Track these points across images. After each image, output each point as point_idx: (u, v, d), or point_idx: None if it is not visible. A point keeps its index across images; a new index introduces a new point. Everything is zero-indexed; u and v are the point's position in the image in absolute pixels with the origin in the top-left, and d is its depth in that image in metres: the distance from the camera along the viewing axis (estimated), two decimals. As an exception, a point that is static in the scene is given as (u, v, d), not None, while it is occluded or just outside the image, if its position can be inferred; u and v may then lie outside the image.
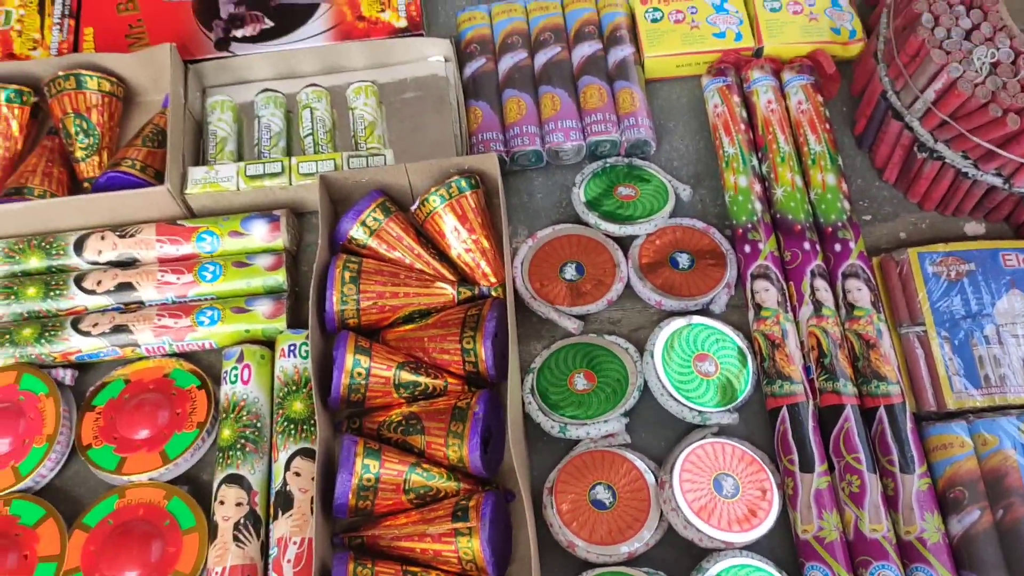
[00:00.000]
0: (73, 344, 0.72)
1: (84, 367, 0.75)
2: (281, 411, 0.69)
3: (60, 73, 0.80)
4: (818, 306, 0.71)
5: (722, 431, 0.69)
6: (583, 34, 0.83)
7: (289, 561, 0.63)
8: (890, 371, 0.68)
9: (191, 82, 0.82)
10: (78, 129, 0.79)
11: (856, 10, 0.84)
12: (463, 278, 0.75)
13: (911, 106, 0.73)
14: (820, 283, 0.72)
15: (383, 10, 0.86)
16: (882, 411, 0.67)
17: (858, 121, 0.81)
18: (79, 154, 0.80)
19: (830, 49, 0.82)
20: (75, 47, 0.85)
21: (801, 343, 0.71)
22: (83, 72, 0.80)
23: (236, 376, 0.70)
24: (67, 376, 0.72)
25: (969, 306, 0.70)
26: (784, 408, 0.68)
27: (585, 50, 0.82)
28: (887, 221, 0.79)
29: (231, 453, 0.67)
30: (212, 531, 0.65)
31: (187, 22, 0.86)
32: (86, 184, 0.80)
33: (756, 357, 0.71)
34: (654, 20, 0.84)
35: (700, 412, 0.68)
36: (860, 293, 0.71)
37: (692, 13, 0.84)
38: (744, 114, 0.80)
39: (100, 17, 0.86)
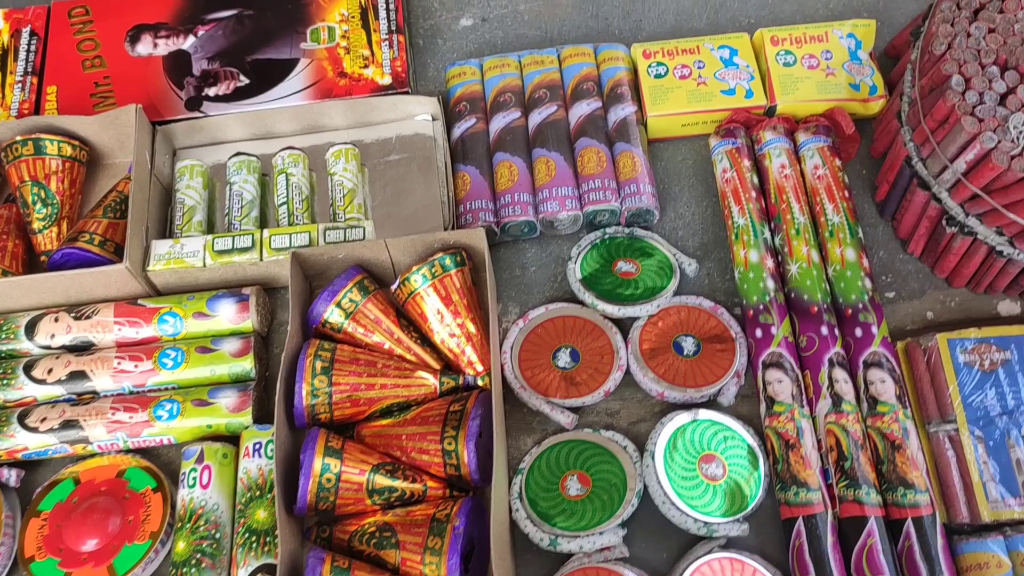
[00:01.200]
0: (19, 441, 0.66)
1: (32, 464, 0.69)
2: (243, 520, 0.62)
3: (18, 138, 0.74)
4: (837, 400, 0.64)
5: (730, 544, 0.63)
6: (581, 91, 0.77)
7: None
8: (918, 477, 0.61)
9: (159, 145, 0.76)
10: (36, 198, 0.74)
11: (876, 64, 0.77)
12: (447, 365, 0.68)
13: (939, 176, 0.66)
14: (839, 374, 0.65)
15: (366, 66, 0.79)
16: (910, 524, 0.60)
17: (879, 186, 0.74)
18: (36, 225, 0.74)
19: (849, 107, 0.76)
20: (37, 106, 0.79)
21: (818, 442, 0.64)
22: (42, 136, 0.74)
23: (195, 479, 0.64)
24: (12, 477, 0.66)
25: (1005, 401, 0.63)
26: (800, 520, 0.61)
27: (583, 109, 0.76)
28: (912, 299, 0.72)
29: (185, 570, 0.60)
30: (162, 660, 0.59)
31: (157, 79, 0.80)
32: (43, 258, 0.74)
33: (768, 457, 0.64)
34: (657, 76, 0.77)
35: (706, 523, 0.61)
36: (884, 385, 0.64)
37: (699, 68, 0.77)
38: (755, 180, 0.73)
39: (65, 75, 0.80)
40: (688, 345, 0.68)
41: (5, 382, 0.68)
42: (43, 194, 0.74)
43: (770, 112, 0.76)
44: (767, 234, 0.71)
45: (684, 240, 0.75)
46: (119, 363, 0.68)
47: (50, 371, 0.68)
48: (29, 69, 0.80)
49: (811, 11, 0.84)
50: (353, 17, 0.81)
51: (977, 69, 0.63)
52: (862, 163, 0.77)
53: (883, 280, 0.72)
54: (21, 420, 0.66)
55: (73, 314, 0.70)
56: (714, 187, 0.76)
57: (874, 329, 0.66)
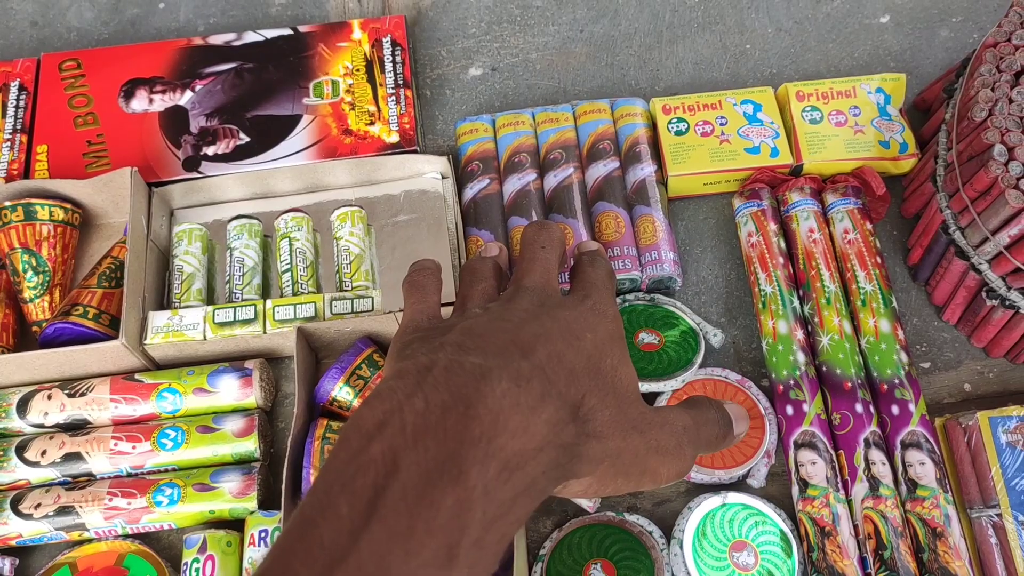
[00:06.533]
0: (13, 528, 0.63)
1: (26, 550, 0.65)
2: (248, 618, 0.59)
3: (6, 203, 0.70)
4: (875, 484, 0.61)
5: (765, 642, 0.59)
6: (597, 151, 0.73)
7: None
8: (961, 567, 0.58)
9: (156, 208, 0.72)
10: (27, 266, 0.70)
11: (907, 120, 0.74)
12: (461, 445, 0.65)
13: (979, 247, 0.63)
14: (876, 455, 0.62)
15: (372, 123, 0.76)
16: (955, 623, 0.57)
17: (912, 250, 0.71)
18: (27, 294, 0.70)
19: (879, 165, 0.72)
20: (27, 166, 0.76)
21: (855, 526, 0.61)
22: (32, 201, 0.70)
23: (198, 570, 0.61)
24: (6, 566, 0.63)
25: (1051, 484, 0.60)
26: (838, 617, 0.57)
27: (600, 170, 0.73)
28: (948, 370, 0.68)
29: (187, 677, 0.57)
30: None
31: (152, 138, 0.76)
32: (35, 328, 0.70)
33: (802, 544, 0.61)
34: (678, 132, 0.74)
35: (739, 621, 0.58)
36: (924, 468, 0.61)
37: (721, 124, 0.74)
38: (782, 244, 0.70)
39: (55, 133, 0.76)
40: (715, 423, 0.65)
41: (-4, 466, 0.64)
42: (34, 261, 0.70)
43: (796, 171, 0.73)
44: (796, 303, 0.68)
45: (707, 306, 0.71)
46: (116, 444, 0.65)
47: (44, 453, 0.65)
48: (19, 127, 0.77)
49: (835, 60, 0.81)
50: (358, 70, 0.78)
51: (1020, 137, 0.60)
52: (893, 223, 0.74)
53: (918, 350, 0.69)
54: (14, 506, 0.63)
55: (67, 391, 0.66)
56: (738, 248, 0.73)
57: (911, 407, 0.63)
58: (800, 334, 0.67)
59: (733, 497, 0.63)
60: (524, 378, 0.39)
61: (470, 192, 0.73)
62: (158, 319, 0.67)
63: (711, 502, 0.62)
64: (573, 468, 0.41)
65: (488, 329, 0.43)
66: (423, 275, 0.54)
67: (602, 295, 0.50)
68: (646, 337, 0.68)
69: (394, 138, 0.75)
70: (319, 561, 0.32)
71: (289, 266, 0.70)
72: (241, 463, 0.66)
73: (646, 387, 0.65)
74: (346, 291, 0.69)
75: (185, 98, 0.78)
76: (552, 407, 0.39)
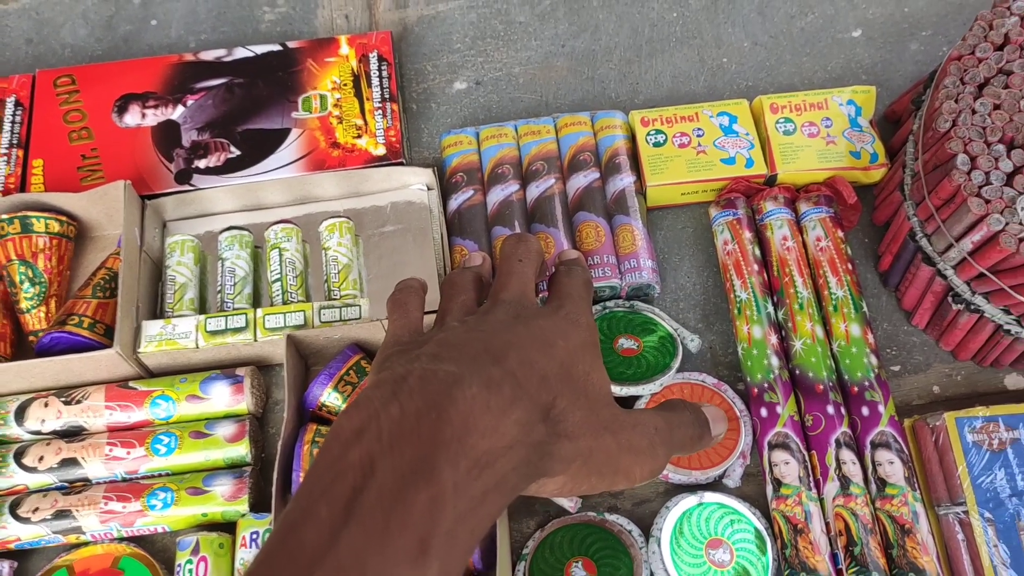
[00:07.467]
0: (11, 532, 0.64)
1: (24, 553, 0.67)
2: (240, 617, 0.61)
3: (3, 216, 0.72)
4: (845, 483, 0.63)
5: (740, 635, 0.61)
6: (578, 162, 0.76)
7: None
8: (929, 563, 0.60)
9: (149, 220, 0.74)
10: (23, 277, 0.72)
11: (877, 131, 0.76)
12: (447, 449, 0.67)
13: (945, 253, 0.65)
14: (847, 455, 0.64)
15: (359, 136, 0.78)
16: (922, 615, 0.59)
17: (883, 257, 0.73)
18: (24, 304, 0.72)
19: (850, 175, 0.75)
20: (23, 180, 0.78)
21: (827, 524, 0.63)
22: (29, 214, 0.72)
23: (191, 572, 0.63)
24: (5, 568, 0.65)
25: (1015, 482, 0.62)
26: (810, 611, 0.59)
27: (580, 181, 0.75)
28: (918, 372, 0.71)
29: (182, 674, 0.59)
30: None
31: (145, 152, 0.78)
32: (32, 337, 0.72)
33: (776, 541, 0.63)
34: (656, 144, 0.76)
35: (714, 615, 0.60)
36: (892, 467, 0.63)
37: (698, 136, 0.76)
38: (757, 252, 0.72)
39: (51, 147, 0.78)
40: (692, 425, 0.67)
41: (-6, 472, 0.66)
42: (31, 273, 0.72)
43: (771, 181, 0.75)
44: (770, 308, 0.70)
45: (685, 312, 0.74)
46: (111, 450, 0.66)
47: (41, 459, 0.67)
48: (15, 142, 0.79)
49: (809, 73, 0.83)
50: (345, 85, 0.80)
51: (983, 147, 0.62)
52: (864, 231, 0.76)
53: (888, 353, 0.71)
54: (13, 510, 0.65)
55: (63, 398, 0.68)
56: (715, 256, 0.76)
57: (881, 408, 0.65)
58: (774, 339, 0.69)
59: (709, 497, 0.65)
60: (495, 383, 0.42)
61: (455, 203, 0.76)
62: (151, 328, 0.69)
63: (688, 501, 0.64)
64: (545, 466, 0.43)
65: (463, 340, 0.45)
66: (406, 293, 0.56)
67: (576, 305, 0.52)
68: (625, 343, 0.70)
69: (381, 151, 0.78)
70: (301, 562, 0.34)
71: (279, 276, 0.73)
72: (233, 467, 0.67)
73: (625, 391, 0.68)
74: (334, 300, 0.71)
75: (177, 113, 0.80)
76: (522, 409, 0.42)
